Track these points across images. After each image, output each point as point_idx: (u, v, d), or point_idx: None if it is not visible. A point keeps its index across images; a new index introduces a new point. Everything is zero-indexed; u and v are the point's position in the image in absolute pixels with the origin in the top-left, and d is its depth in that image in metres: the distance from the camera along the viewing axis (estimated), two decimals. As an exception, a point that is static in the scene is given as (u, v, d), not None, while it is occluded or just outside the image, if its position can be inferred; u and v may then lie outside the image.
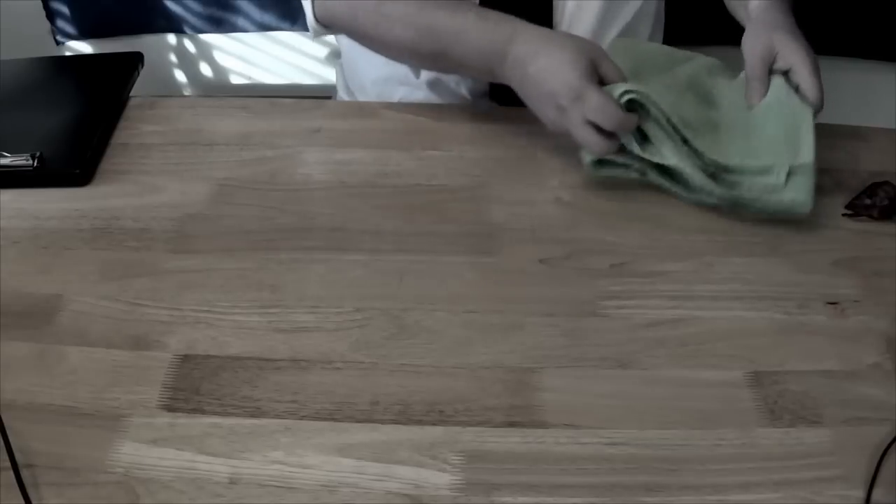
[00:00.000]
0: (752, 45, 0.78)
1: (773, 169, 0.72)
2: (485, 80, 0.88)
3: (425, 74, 0.91)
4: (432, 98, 0.92)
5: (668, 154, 0.73)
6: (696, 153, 0.73)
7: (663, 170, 0.74)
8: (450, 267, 0.70)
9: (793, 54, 0.75)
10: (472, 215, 0.75)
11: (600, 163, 0.76)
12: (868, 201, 0.75)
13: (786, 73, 0.76)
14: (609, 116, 0.70)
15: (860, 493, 0.54)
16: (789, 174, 0.71)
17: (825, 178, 0.78)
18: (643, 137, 0.74)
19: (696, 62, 0.83)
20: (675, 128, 0.72)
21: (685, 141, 0.73)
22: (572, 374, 0.62)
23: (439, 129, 0.84)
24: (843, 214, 0.75)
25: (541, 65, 0.73)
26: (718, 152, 0.73)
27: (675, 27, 0.98)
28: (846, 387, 0.61)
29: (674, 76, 0.80)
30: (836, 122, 0.76)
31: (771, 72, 0.77)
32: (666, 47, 0.87)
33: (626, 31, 0.89)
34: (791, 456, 0.57)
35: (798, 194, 0.71)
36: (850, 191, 0.76)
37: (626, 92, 0.72)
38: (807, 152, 0.72)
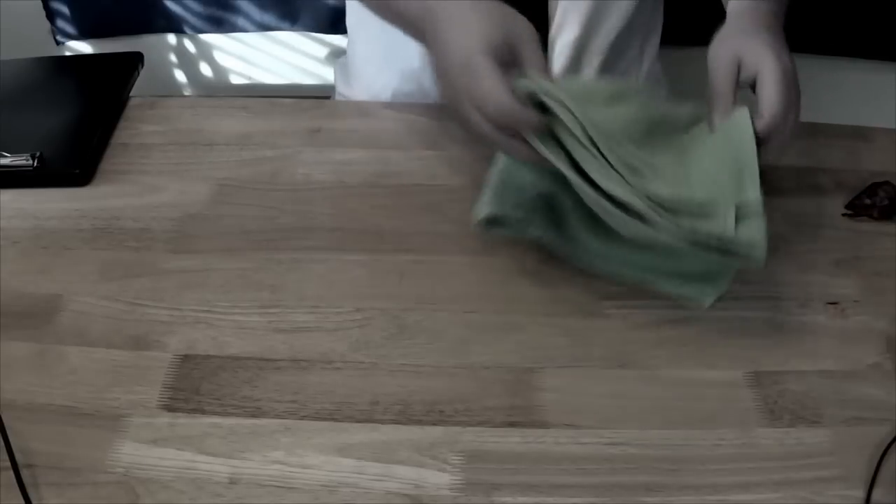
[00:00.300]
0: (716, 54, 0.67)
1: (717, 211, 0.60)
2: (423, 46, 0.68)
3: (424, 65, 0.88)
4: (428, 90, 0.90)
5: (593, 172, 0.58)
6: (622, 177, 0.59)
7: (566, 233, 0.66)
8: (450, 267, 0.70)
9: (759, 62, 0.63)
10: (472, 215, 0.75)
11: (494, 221, 0.65)
12: (868, 201, 0.75)
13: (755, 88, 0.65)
14: (496, 105, 0.56)
15: (860, 493, 0.54)
16: (737, 218, 0.59)
17: (825, 178, 0.78)
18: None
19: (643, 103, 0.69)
20: (595, 144, 0.59)
21: (610, 164, 0.59)
22: (572, 374, 0.62)
23: (439, 129, 0.84)
24: (843, 214, 0.75)
25: (453, 33, 0.59)
26: (648, 182, 0.60)
27: (675, 27, 0.98)
28: (846, 387, 0.61)
29: (613, 111, 0.66)
30: (837, 122, 0.76)
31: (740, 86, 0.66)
32: (611, 84, 0.73)
33: (620, 32, 0.88)
34: (791, 456, 0.57)
35: (753, 236, 0.59)
36: (850, 191, 0.76)
37: (537, 91, 0.56)
38: (752, 191, 0.60)
